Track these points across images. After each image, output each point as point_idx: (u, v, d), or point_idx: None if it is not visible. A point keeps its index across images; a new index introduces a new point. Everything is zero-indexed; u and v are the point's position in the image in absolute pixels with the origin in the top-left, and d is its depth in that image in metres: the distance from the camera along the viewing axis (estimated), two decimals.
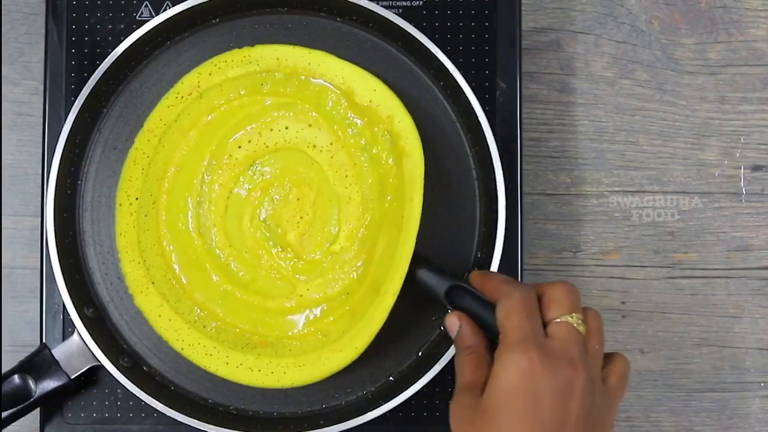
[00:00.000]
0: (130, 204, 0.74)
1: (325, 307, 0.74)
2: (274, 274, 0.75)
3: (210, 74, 0.75)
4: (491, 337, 0.66)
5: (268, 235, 0.75)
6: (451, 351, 0.72)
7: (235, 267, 0.75)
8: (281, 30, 0.77)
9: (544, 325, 0.62)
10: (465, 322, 0.67)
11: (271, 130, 0.75)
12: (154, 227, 0.74)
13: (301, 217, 0.75)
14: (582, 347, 0.61)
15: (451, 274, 0.71)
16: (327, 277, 0.74)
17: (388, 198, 0.73)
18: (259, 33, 0.77)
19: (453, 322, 0.67)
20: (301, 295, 0.74)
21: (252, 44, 0.76)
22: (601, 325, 0.64)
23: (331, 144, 0.75)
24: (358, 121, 0.74)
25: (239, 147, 0.75)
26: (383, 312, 0.72)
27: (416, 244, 0.72)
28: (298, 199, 0.75)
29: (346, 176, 0.75)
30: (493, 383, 0.60)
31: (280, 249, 0.75)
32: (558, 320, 0.62)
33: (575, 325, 0.62)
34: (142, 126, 0.75)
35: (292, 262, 0.74)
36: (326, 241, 0.75)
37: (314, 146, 0.75)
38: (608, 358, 0.64)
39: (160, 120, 0.75)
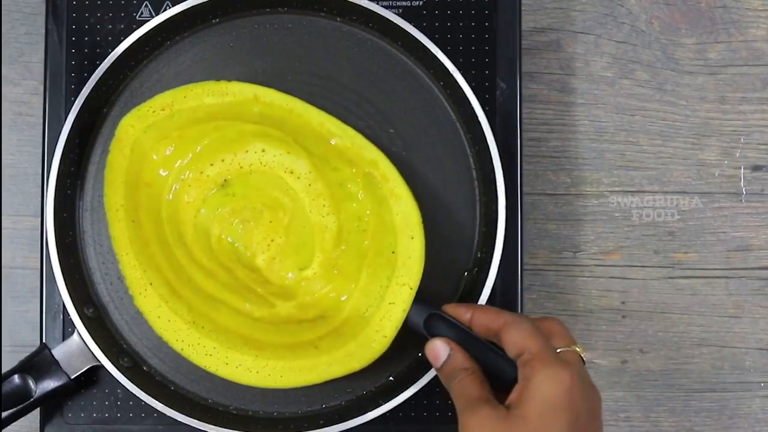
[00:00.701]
0: (117, 210, 0.73)
1: (306, 326, 0.73)
2: (248, 292, 0.74)
3: (185, 97, 0.74)
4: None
5: (235, 256, 0.74)
6: None
7: (214, 279, 0.74)
8: (281, 30, 0.77)
9: None
10: (455, 345, 0.67)
11: (246, 151, 0.74)
12: (140, 233, 0.74)
13: (273, 240, 0.74)
14: (587, 375, 0.64)
15: (427, 301, 0.71)
16: (300, 300, 0.73)
17: (367, 231, 0.73)
18: (259, 33, 0.77)
19: (440, 348, 0.67)
20: (278, 313, 0.73)
21: (230, 79, 0.75)
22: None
23: (309, 172, 0.73)
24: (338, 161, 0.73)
25: (211, 164, 0.74)
26: (381, 345, 0.72)
27: None
28: (270, 222, 0.74)
29: (324, 206, 0.73)
30: (535, 392, 0.61)
31: (249, 270, 0.74)
32: (567, 349, 0.64)
33: (582, 354, 0.65)
34: (114, 135, 0.74)
35: (262, 284, 0.74)
36: (298, 267, 0.74)
37: (291, 172, 0.74)
38: None
39: (131, 127, 0.74)
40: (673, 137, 0.82)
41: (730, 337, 0.81)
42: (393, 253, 0.72)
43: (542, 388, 0.61)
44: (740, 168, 0.82)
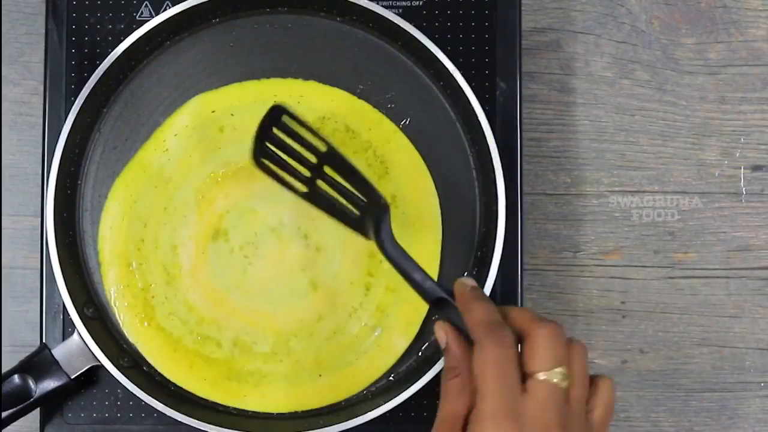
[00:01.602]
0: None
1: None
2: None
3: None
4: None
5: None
6: None
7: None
8: (281, 30, 0.77)
9: (525, 376, 0.58)
10: (452, 338, 0.63)
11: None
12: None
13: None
14: (562, 407, 0.58)
15: (429, 279, 0.66)
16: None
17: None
18: (259, 33, 0.77)
19: (440, 335, 0.64)
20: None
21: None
22: (585, 366, 0.60)
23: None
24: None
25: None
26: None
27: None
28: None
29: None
30: None
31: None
32: (540, 377, 0.58)
33: (558, 382, 0.58)
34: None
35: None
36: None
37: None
38: (593, 385, 0.61)
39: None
40: (673, 137, 0.82)
41: (730, 337, 0.81)
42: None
43: None
44: (740, 168, 0.82)
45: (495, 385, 0.58)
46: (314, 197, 0.68)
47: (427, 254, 0.75)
